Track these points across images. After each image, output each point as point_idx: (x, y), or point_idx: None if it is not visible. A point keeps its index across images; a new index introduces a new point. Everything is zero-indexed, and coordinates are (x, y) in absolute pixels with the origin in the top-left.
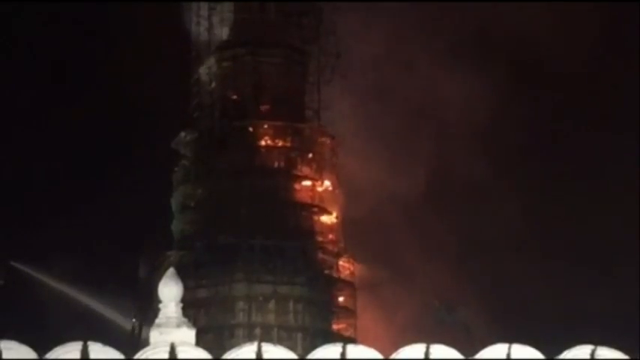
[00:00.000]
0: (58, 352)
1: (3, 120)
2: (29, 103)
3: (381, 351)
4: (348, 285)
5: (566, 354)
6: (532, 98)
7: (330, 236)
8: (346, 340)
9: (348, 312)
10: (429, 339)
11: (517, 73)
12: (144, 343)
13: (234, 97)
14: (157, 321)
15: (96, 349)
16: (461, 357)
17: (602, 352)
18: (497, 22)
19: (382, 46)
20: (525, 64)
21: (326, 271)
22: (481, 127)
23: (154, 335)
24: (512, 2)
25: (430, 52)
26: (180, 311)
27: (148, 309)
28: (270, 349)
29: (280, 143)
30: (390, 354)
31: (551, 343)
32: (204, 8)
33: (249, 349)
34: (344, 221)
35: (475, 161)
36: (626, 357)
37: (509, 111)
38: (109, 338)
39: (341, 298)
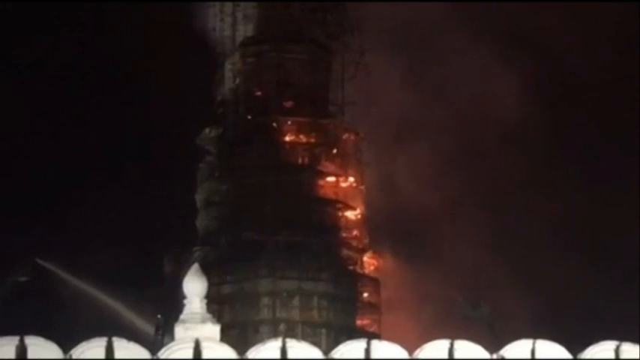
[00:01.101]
0: (83, 347)
1: (27, 116)
2: (53, 99)
3: (405, 347)
4: (373, 281)
5: (590, 349)
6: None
7: (355, 232)
8: (370, 336)
9: (373, 308)
10: (454, 335)
11: (546, 69)
12: (168, 338)
13: (259, 93)
14: (182, 317)
15: (120, 345)
16: (485, 353)
17: (627, 347)
18: (526, 18)
19: (407, 41)
20: (555, 62)
21: (350, 267)
22: (512, 123)
23: (179, 331)
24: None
25: (457, 47)
26: (204, 307)
27: (172, 305)
28: (294, 345)
29: (304, 139)
30: (415, 350)
31: (576, 338)
32: (227, 5)
33: (273, 345)
34: (368, 217)
35: (505, 157)
36: None
37: (542, 107)
38: (133, 334)
39: (365, 294)
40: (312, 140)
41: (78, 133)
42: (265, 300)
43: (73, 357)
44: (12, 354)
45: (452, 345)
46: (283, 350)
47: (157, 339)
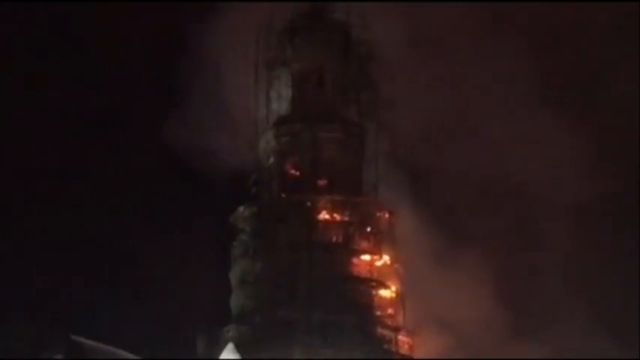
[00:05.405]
0: None
1: (57, 192)
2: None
3: None
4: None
5: None
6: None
7: (389, 310)
8: None
9: None
10: None
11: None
12: None
13: (292, 171)
14: None
15: None
16: None
17: None
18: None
19: (440, 117)
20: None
21: (385, 346)
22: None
23: None
24: None
25: (490, 123)
26: None
27: None
28: None
29: (338, 218)
30: None
31: None
32: (261, 83)
33: None
34: (403, 295)
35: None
36: None
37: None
38: None
39: None
40: (346, 218)
41: (113, 209)
42: None
43: None
44: None
45: None
46: None
47: None
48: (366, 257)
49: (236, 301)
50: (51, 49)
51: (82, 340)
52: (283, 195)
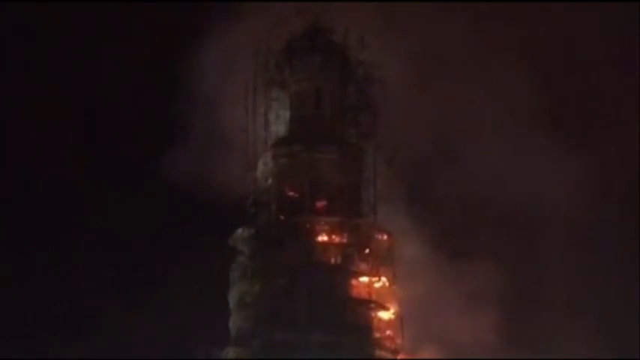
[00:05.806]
0: None
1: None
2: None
3: None
4: None
5: None
6: None
7: (388, 332)
8: None
9: None
10: None
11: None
12: None
13: (291, 193)
14: None
15: None
16: None
17: None
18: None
19: (438, 138)
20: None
21: None
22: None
23: None
24: None
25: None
26: None
27: None
28: None
29: (337, 239)
30: None
31: None
32: (260, 105)
33: None
34: (402, 317)
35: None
36: None
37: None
38: None
39: None
40: (345, 240)
41: (112, 233)
42: None
43: None
44: None
45: None
46: None
47: None
48: (364, 279)
49: (235, 323)
50: (49, 80)
51: None
52: (282, 217)
